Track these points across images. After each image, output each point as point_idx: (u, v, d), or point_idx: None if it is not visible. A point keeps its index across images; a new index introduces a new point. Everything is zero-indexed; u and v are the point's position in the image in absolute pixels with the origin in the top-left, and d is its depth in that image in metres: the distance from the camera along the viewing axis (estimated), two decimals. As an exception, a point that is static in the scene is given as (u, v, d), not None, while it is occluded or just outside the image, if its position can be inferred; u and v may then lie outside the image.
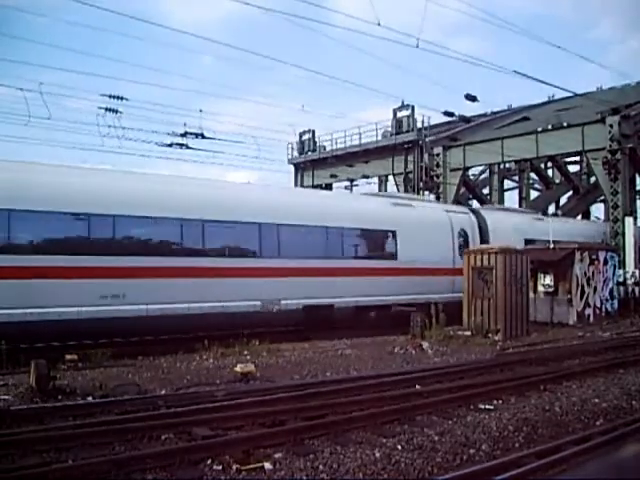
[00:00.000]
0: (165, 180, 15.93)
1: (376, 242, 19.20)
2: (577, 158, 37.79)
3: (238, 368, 10.56)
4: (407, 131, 32.61)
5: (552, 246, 20.18)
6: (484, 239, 21.37)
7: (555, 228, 24.23)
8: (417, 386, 9.90)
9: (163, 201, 14.73)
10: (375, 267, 18.28)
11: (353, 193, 24.45)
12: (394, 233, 18.98)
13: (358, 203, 20.49)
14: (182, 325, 14.18)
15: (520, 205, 38.26)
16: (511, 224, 22.89)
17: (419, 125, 32.52)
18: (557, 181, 40.04)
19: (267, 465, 6.11)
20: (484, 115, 36.43)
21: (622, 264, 23.56)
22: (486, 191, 37.08)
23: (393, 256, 18.86)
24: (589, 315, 20.45)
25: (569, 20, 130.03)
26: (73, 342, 12.78)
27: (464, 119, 28.73)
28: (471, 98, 19.86)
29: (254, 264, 15.71)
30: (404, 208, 20.16)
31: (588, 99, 27.64)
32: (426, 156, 32.40)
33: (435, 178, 31.94)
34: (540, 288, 19.94)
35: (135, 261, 13.77)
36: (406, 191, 33.06)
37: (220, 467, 6.09)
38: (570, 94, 25.78)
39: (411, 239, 19.08)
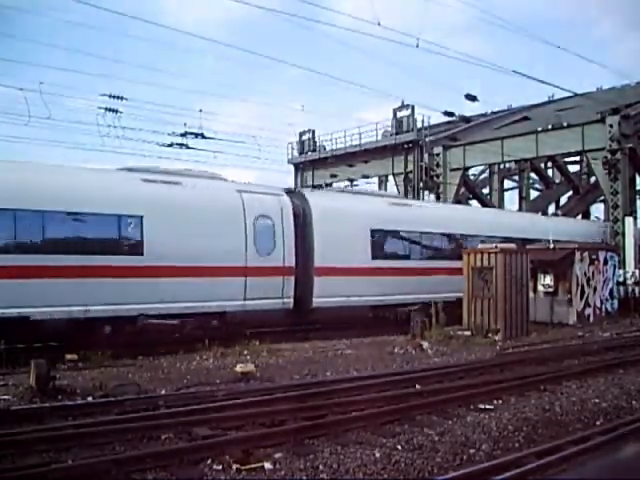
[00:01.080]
0: None
1: (106, 232, 14.18)
2: (577, 158, 37.77)
3: (238, 368, 10.58)
4: (407, 131, 32.66)
5: (552, 246, 20.19)
6: (304, 228, 17.17)
7: (452, 217, 22.22)
8: (417, 386, 9.90)
9: None
10: (102, 265, 13.56)
11: (72, 166, 15.99)
12: (139, 219, 14.29)
13: (74, 179, 14.40)
14: None
15: (520, 205, 38.23)
16: (352, 210, 18.89)
17: (419, 125, 32.60)
18: (557, 181, 40.05)
19: (267, 465, 6.12)
20: (484, 115, 36.49)
21: (622, 264, 23.57)
22: (486, 191, 37.10)
23: (137, 250, 14.18)
24: (589, 315, 20.45)
25: (569, 20, 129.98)
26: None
27: (464, 119, 28.82)
28: (471, 98, 19.92)
29: None
30: (162, 186, 15.00)
31: (588, 99, 27.68)
32: (426, 156, 32.44)
33: (435, 178, 31.99)
34: (540, 288, 19.93)
35: None
36: (406, 191, 33.02)
37: (220, 467, 6.10)
38: (570, 94, 25.83)
39: (169, 228, 14.57)
